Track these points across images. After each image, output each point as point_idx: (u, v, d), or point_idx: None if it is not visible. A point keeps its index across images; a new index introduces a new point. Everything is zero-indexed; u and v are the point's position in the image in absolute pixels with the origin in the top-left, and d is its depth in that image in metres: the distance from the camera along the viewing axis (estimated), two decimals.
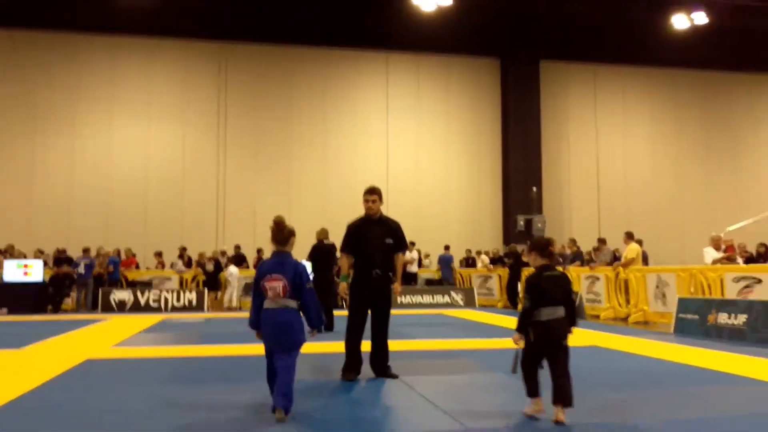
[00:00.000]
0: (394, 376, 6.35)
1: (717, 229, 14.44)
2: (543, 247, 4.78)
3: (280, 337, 4.81)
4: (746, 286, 10.69)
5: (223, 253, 19.09)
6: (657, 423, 4.45)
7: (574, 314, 4.68)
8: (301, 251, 15.17)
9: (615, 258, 15.02)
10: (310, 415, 4.85)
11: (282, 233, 5.00)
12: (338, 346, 6.68)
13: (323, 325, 5.41)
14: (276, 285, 4.80)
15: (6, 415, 4.80)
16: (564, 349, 4.55)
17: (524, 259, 5.76)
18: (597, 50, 24.81)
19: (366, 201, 6.57)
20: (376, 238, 6.49)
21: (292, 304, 4.85)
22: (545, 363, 4.60)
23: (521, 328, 4.63)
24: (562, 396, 4.43)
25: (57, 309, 16.86)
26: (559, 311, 4.57)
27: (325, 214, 19.91)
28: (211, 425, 4.53)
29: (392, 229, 6.64)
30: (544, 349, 4.57)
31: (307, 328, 4.96)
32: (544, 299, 4.55)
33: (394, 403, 5.37)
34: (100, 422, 4.61)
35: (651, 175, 25.67)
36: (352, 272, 6.53)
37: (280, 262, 4.93)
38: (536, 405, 4.67)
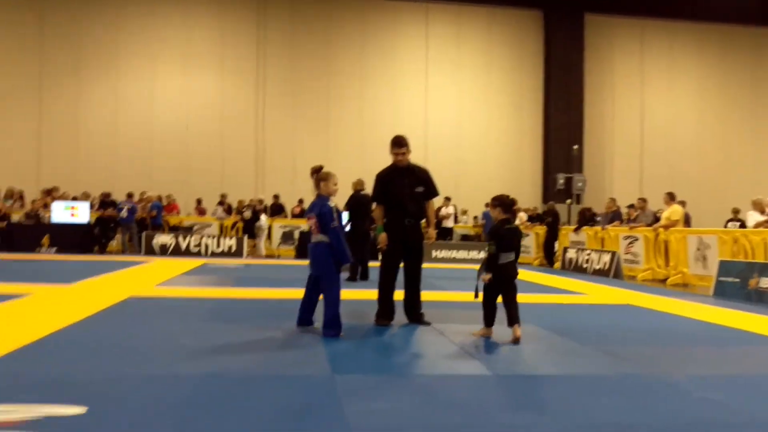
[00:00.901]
0: (427, 323, 6.43)
1: (763, 192, 14.00)
2: (509, 204, 5.84)
3: (314, 265, 5.82)
4: None
5: (261, 201, 19.35)
6: (688, 378, 4.44)
7: (517, 258, 5.78)
8: (339, 202, 15.30)
9: (655, 219, 14.74)
10: (342, 356, 4.98)
11: (313, 178, 5.85)
12: (372, 294, 6.78)
13: (351, 263, 5.74)
14: (311, 222, 5.76)
15: (53, 343, 5.05)
16: (514, 286, 5.70)
17: (491, 212, 6.01)
18: (644, 3, 23.86)
19: (396, 154, 6.50)
20: (406, 187, 6.44)
21: (324, 238, 5.66)
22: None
23: (488, 269, 5.64)
24: (514, 319, 5.60)
25: (103, 250, 17.44)
26: (512, 256, 5.67)
27: (363, 164, 19.86)
28: (241, 355, 4.69)
29: (421, 177, 6.58)
30: (500, 285, 5.65)
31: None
32: (503, 246, 5.60)
33: (425, 348, 5.47)
34: (138, 351, 4.83)
35: (696, 135, 24.91)
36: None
37: (314, 203, 5.82)
38: (488, 331, 5.79)
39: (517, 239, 5.75)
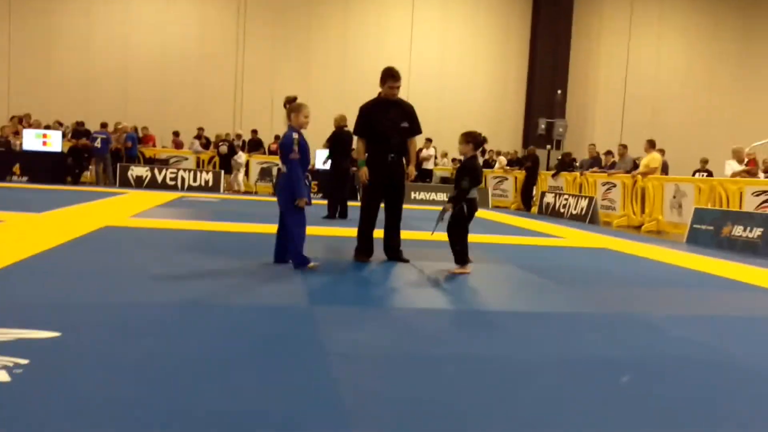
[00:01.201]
0: (405, 260, 6.39)
1: (745, 143, 14.08)
2: (480, 143, 6.00)
3: (278, 196, 5.74)
4: (765, 201, 10.56)
5: (239, 136, 19.02)
6: (658, 316, 4.51)
7: None
8: (319, 138, 15.10)
9: (635, 166, 14.81)
10: (319, 289, 4.95)
11: (286, 109, 5.69)
12: (352, 232, 6.73)
13: (306, 197, 5.55)
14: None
15: (26, 269, 4.94)
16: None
17: (459, 148, 5.95)
18: None
19: (391, 87, 6.23)
20: (391, 120, 6.23)
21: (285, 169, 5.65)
22: None
23: (458, 202, 5.79)
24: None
25: (76, 181, 17.10)
26: (475, 192, 5.89)
27: (344, 101, 19.53)
28: (217, 286, 4.65)
29: (408, 112, 6.37)
30: (470, 219, 5.87)
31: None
32: (473, 182, 5.78)
33: (402, 284, 5.47)
34: (112, 278, 4.75)
35: (682, 84, 24.86)
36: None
37: (284, 134, 5.76)
38: (467, 268, 5.87)
39: (482, 176, 6.10)
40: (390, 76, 6.23)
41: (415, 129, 6.42)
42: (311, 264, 5.56)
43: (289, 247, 5.62)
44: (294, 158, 5.50)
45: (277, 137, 19.23)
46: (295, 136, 5.55)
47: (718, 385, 3.09)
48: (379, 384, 2.81)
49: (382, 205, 6.44)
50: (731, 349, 3.78)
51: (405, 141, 6.37)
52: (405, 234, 6.73)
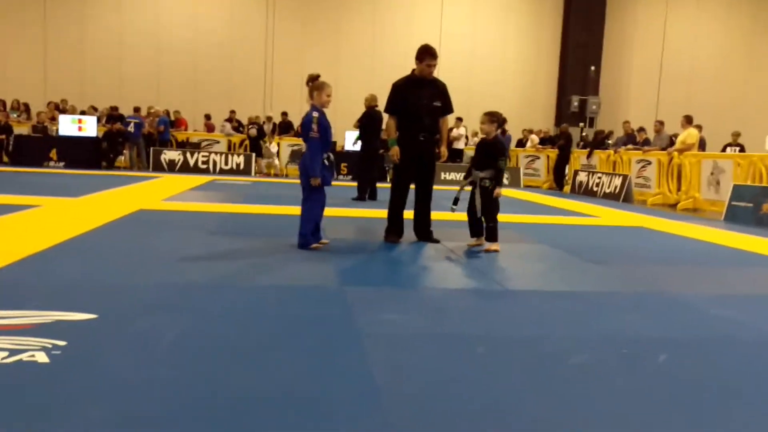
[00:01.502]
0: (436, 241, 6.35)
1: None
2: (502, 122, 6.14)
3: (300, 176, 5.68)
4: None
5: (269, 119, 19.06)
6: (701, 297, 4.40)
7: None
8: (349, 119, 15.00)
9: (671, 143, 14.47)
10: (350, 270, 4.95)
11: (308, 87, 5.64)
12: (382, 213, 6.71)
13: (322, 176, 5.51)
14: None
15: (63, 251, 5.04)
16: None
17: (482, 127, 5.85)
18: None
19: (429, 65, 6.12)
20: (424, 99, 6.13)
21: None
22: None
23: (501, 182, 5.94)
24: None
25: (111, 165, 17.38)
26: None
27: (373, 82, 19.45)
28: (248, 267, 4.67)
29: (441, 90, 6.27)
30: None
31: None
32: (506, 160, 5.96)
33: (434, 264, 5.43)
34: (146, 260, 4.81)
35: (719, 62, 24.09)
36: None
37: (306, 113, 5.69)
38: (498, 245, 5.96)
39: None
40: (428, 53, 6.12)
41: (448, 108, 6.32)
42: (314, 245, 5.56)
43: (300, 225, 5.62)
44: (314, 137, 5.45)
45: None
46: (315, 114, 5.48)
47: (760, 366, 3.00)
48: (410, 363, 2.80)
49: (413, 186, 6.38)
50: None
51: (437, 120, 6.28)
52: (436, 215, 6.68)
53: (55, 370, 2.50)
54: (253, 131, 18.05)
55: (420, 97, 6.12)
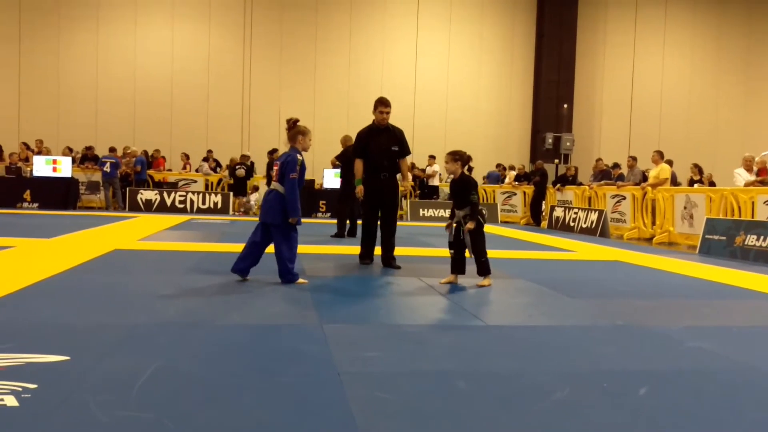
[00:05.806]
0: (397, 267, 6.97)
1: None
2: (466, 160, 6.16)
3: (264, 211, 5.76)
4: None
5: (247, 157, 19.06)
6: (679, 329, 4.43)
7: None
8: (326, 156, 15.04)
9: (644, 178, 14.73)
10: (330, 306, 4.91)
11: (288, 131, 5.88)
12: (356, 250, 6.78)
13: (297, 217, 5.72)
14: (275, 171, 5.77)
15: (36, 293, 4.94)
16: None
17: (447, 167, 6.06)
18: None
19: (381, 112, 7.12)
20: (383, 145, 7.09)
21: (281, 188, 5.68)
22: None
23: (477, 215, 5.95)
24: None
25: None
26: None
27: (349, 121, 19.66)
28: (225, 305, 4.61)
29: (397, 137, 7.19)
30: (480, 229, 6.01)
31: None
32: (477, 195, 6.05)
33: (414, 300, 5.40)
34: (120, 301, 4.73)
35: (687, 97, 24.80)
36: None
37: (285, 153, 5.83)
38: (490, 279, 6.10)
39: None
40: (380, 103, 7.17)
41: (405, 150, 7.31)
42: (300, 280, 5.74)
43: (279, 264, 5.71)
44: (294, 178, 5.68)
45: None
46: (300, 157, 5.76)
47: (740, 397, 3.01)
48: (391, 401, 2.76)
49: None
50: (751, 361, 3.70)
51: (395, 162, 7.23)
52: (413, 251, 6.78)
53: (25, 413, 2.42)
54: (242, 171, 17.97)
55: (379, 143, 7.13)
